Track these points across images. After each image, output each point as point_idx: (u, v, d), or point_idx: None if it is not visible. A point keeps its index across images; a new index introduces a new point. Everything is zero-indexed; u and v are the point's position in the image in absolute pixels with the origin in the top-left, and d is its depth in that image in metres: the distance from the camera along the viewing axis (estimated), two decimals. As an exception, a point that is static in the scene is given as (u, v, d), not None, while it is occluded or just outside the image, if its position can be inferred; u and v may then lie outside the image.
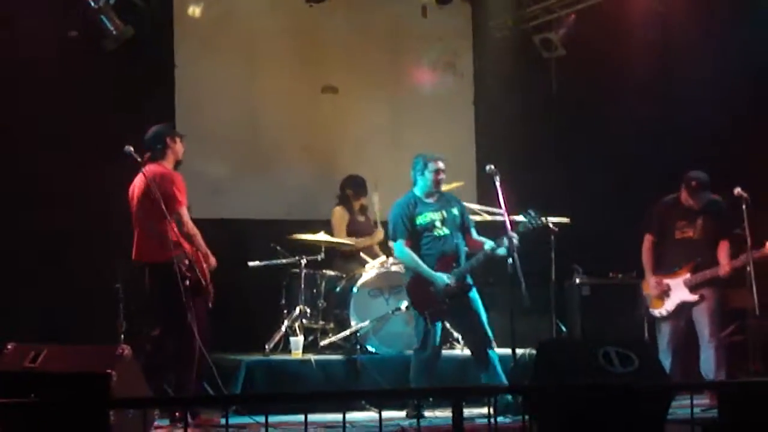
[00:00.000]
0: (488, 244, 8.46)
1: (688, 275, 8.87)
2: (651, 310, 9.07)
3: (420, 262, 8.45)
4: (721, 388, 7.29)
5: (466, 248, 8.60)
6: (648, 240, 9.10)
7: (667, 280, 8.95)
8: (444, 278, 8.37)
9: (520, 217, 8.56)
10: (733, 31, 10.77)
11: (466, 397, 6.46)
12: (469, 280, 8.56)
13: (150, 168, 7.89)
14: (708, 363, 8.74)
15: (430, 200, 8.57)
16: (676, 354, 8.91)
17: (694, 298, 8.84)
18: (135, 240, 7.96)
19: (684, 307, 8.90)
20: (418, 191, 8.59)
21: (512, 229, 8.29)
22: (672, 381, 8.07)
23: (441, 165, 8.52)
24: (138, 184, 7.98)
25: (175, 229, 7.71)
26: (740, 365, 8.88)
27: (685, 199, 8.95)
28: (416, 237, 8.49)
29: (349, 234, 10.42)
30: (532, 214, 8.45)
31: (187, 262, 7.75)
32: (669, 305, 8.95)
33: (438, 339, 8.49)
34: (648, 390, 6.23)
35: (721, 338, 8.89)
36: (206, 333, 7.81)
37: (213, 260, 8.00)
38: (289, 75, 11.42)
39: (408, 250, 8.48)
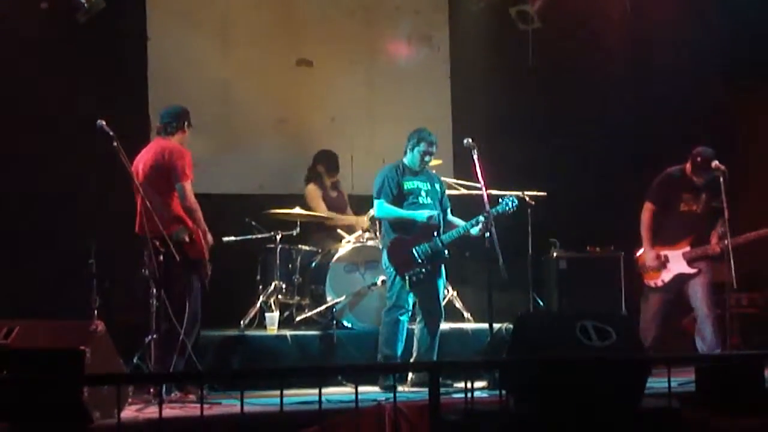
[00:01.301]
0: (471, 220, 8.52)
1: (687, 248, 8.89)
2: (646, 281, 9.06)
3: (401, 210, 8.56)
4: (698, 362, 7.30)
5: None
6: (649, 209, 9.04)
7: (665, 252, 8.94)
8: (426, 213, 8.48)
9: (502, 197, 8.64)
10: (707, 2, 10.77)
11: (442, 371, 6.45)
12: (445, 254, 8.60)
13: (159, 142, 7.99)
14: (706, 335, 8.80)
15: (417, 170, 8.71)
16: (660, 325, 8.94)
17: (691, 271, 8.89)
18: (137, 212, 7.84)
19: (679, 280, 8.92)
20: (407, 161, 8.71)
21: (489, 206, 8.30)
22: (649, 355, 8.07)
23: (432, 148, 8.67)
24: (145, 155, 7.99)
25: (178, 202, 7.77)
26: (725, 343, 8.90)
27: (691, 173, 8.92)
28: (400, 201, 8.59)
29: (329, 207, 10.36)
30: (514, 201, 8.46)
31: (187, 237, 7.75)
32: (665, 277, 8.97)
33: (406, 308, 8.55)
34: (625, 363, 6.21)
35: (717, 312, 8.92)
36: (198, 310, 7.83)
37: (211, 238, 8.04)
38: (263, 48, 11.31)
39: (388, 205, 8.59)
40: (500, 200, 8.60)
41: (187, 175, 7.88)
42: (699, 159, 8.84)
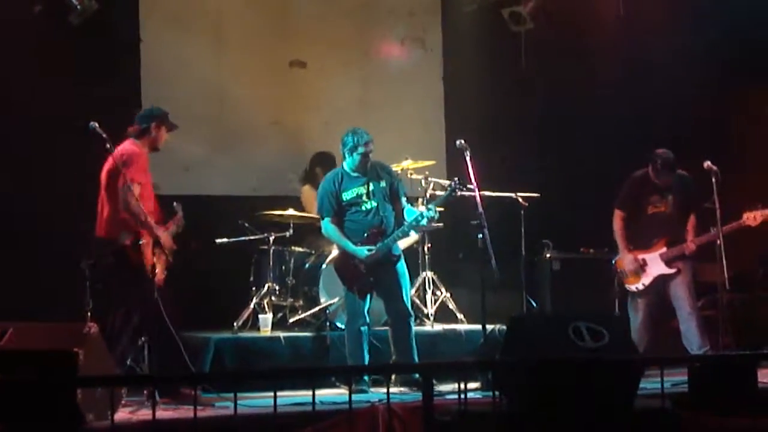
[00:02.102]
0: (410, 214, 8.51)
1: (664, 249, 8.93)
2: (627, 286, 9.09)
3: (343, 237, 8.55)
4: (691, 363, 7.31)
5: (395, 218, 8.64)
6: (619, 216, 9.12)
7: (642, 255, 8.99)
8: (365, 251, 8.43)
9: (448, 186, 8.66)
10: (699, 4, 10.79)
11: (436, 373, 6.46)
12: (396, 251, 8.59)
13: (124, 144, 7.86)
14: (690, 334, 8.81)
15: (357, 174, 8.60)
16: (651, 329, 8.96)
17: (671, 271, 8.92)
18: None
19: (660, 281, 8.95)
20: (346, 166, 8.64)
21: (432, 199, 8.37)
22: (642, 355, 8.09)
23: (371, 147, 8.55)
24: (108, 158, 7.92)
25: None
26: (711, 339, 8.91)
27: (654, 176, 8.98)
28: (342, 212, 8.58)
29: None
30: (457, 183, 8.44)
31: (129, 241, 7.65)
32: (645, 280, 8.99)
33: (366, 313, 8.54)
34: (618, 364, 6.22)
35: (698, 309, 8.96)
36: (150, 314, 7.63)
37: (167, 242, 7.86)
38: (256, 49, 11.32)
39: (333, 227, 8.58)
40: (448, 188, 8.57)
41: (130, 177, 7.66)
42: (659, 163, 8.90)
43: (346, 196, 8.56)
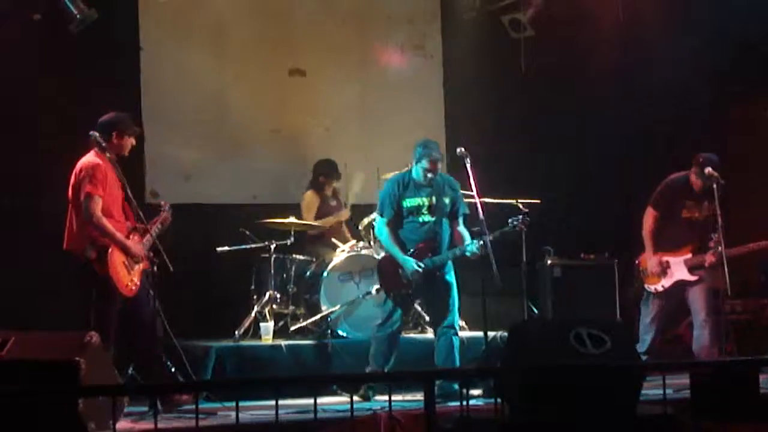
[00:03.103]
0: (465, 245, 8.37)
1: (689, 255, 8.88)
2: (646, 285, 9.04)
3: (394, 244, 8.42)
4: (693, 369, 7.30)
5: (450, 236, 8.52)
6: (652, 215, 8.99)
7: (667, 258, 8.94)
8: (413, 265, 8.33)
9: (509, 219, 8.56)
10: (697, 10, 10.81)
11: (438, 379, 6.45)
12: (445, 268, 8.47)
13: (86, 156, 7.76)
14: (701, 341, 8.80)
15: (423, 184, 8.47)
16: (659, 331, 8.95)
17: (692, 278, 8.87)
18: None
19: (680, 286, 8.91)
20: (414, 173, 8.50)
21: (487, 226, 8.23)
22: (644, 362, 8.08)
23: (435, 155, 8.39)
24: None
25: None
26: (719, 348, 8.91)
27: (695, 180, 8.92)
28: (400, 218, 8.46)
29: (320, 218, 10.36)
30: (514, 223, 8.40)
31: (94, 254, 7.60)
32: (666, 282, 8.94)
33: (396, 323, 8.48)
34: (620, 370, 6.22)
35: (715, 318, 8.92)
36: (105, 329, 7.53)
37: (138, 251, 7.73)
38: (256, 57, 11.32)
39: (387, 230, 8.46)
40: (509, 222, 8.48)
41: (87, 191, 7.59)
42: (702, 161, 8.82)
43: (408, 203, 8.44)
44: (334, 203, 10.55)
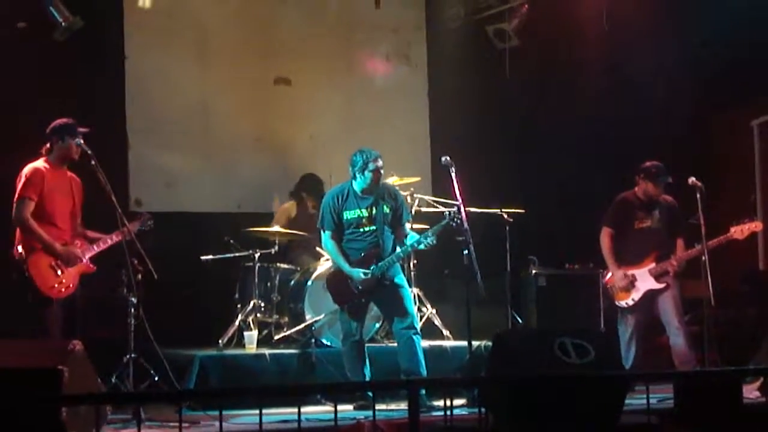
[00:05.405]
0: (410, 239, 8.43)
1: (653, 264, 8.98)
2: (617, 302, 9.12)
3: (340, 255, 8.47)
4: (676, 379, 7.32)
5: (394, 243, 8.53)
6: (607, 233, 9.15)
7: (632, 271, 9.01)
8: (360, 274, 8.35)
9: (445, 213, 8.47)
10: (680, 17, 10.86)
11: (422, 388, 6.44)
12: (392, 272, 8.47)
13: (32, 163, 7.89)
14: (678, 348, 8.85)
15: (364, 195, 8.47)
16: (640, 344, 9.00)
17: (660, 286, 8.97)
18: None
19: (650, 296, 8.98)
20: (356, 186, 8.49)
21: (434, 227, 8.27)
22: (628, 371, 8.10)
23: (380, 163, 8.43)
24: None
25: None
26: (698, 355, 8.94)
27: (642, 192, 9.04)
28: (341, 230, 8.50)
29: (296, 228, 10.26)
30: (451, 214, 8.34)
31: (17, 254, 7.73)
32: (636, 295, 9.03)
33: (358, 331, 8.49)
34: (603, 380, 6.23)
35: (686, 323, 9.00)
36: (51, 327, 7.69)
37: (65, 255, 7.77)
38: (241, 66, 11.32)
39: (332, 243, 8.51)
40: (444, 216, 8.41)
41: (20, 194, 7.73)
42: (654, 169, 8.97)
43: (348, 215, 8.47)
44: (315, 213, 10.50)
